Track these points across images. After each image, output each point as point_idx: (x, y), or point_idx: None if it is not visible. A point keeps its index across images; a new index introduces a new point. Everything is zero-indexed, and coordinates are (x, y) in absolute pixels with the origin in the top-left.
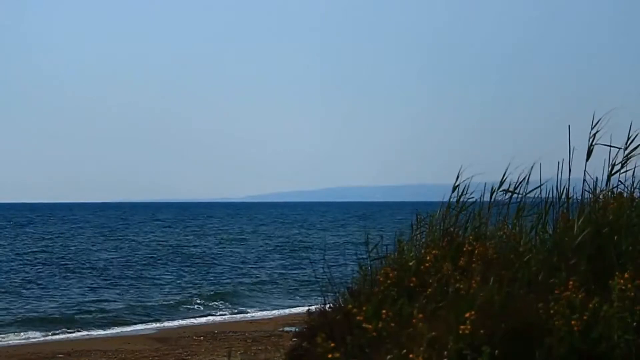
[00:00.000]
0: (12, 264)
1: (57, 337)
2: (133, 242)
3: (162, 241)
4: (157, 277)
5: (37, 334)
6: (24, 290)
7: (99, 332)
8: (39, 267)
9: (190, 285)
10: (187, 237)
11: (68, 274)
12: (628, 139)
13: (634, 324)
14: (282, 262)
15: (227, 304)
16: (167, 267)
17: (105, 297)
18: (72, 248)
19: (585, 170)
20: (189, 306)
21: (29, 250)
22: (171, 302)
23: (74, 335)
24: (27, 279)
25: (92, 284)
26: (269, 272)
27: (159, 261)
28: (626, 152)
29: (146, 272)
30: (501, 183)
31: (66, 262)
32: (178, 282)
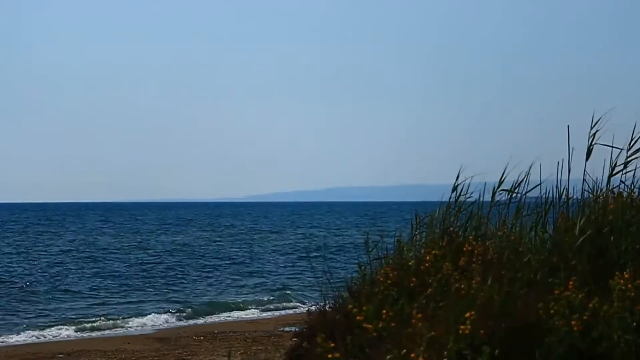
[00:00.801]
0: (27, 263)
1: (57, 337)
2: (148, 242)
3: (176, 240)
4: (169, 275)
5: (39, 333)
6: (37, 291)
7: (99, 332)
8: (58, 267)
9: (200, 284)
10: (200, 238)
11: (77, 274)
12: (631, 139)
13: (634, 324)
14: (287, 262)
15: (231, 305)
16: (179, 267)
17: (110, 297)
18: (88, 248)
19: (585, 170)
20: (193, 305)
21: (49, 250)
22: (177, 304)
23: (74, 335)
24: (43, 279)
25: (97, 285)
26: (274, 271)
27: (169, 260)
28: (629, 152)
29: (158, 271)
30: (500, 183)
31: (78, 261)
32: (188, 281)
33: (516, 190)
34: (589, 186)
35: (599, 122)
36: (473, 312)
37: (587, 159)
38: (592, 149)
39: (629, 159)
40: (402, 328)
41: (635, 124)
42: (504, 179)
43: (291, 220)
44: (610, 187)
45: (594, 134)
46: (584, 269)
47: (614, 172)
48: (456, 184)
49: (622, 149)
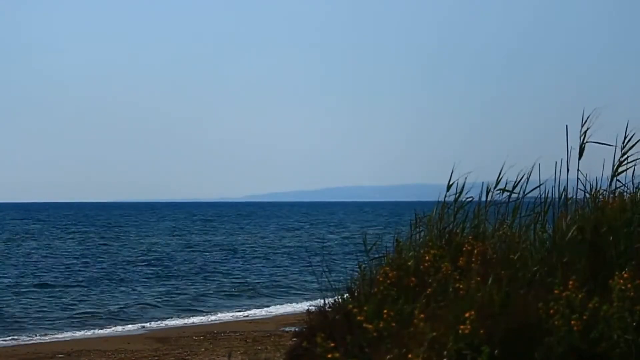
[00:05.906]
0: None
1: (57, 337)
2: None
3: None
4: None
5: (43, 333)
6: (44, 290)
7: (98, 332)
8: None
9: (199, 284)
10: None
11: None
12: (625, 137)
13: (634, 323)
14: (287, 262)
15: (232, 304)
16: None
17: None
18: (94, 248)
19: (578, 170)
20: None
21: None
22: (174, 303)
23: (74, 335)
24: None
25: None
26: (274, 271)
27: (172, 259)
28: (623, 151)
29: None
30: (497, 182)
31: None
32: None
33: (515, 190)
34: (583, 185)
35: (589, 119)
36: (472, 312)
37: (579, 158)
38: (584, 147)
39: (624, 158)
40: (402, 328)
41: (628, 122)
42: (501, 178)
43: (291, 219)
44: (611, 187)
45: (585, 132)
46: (583, 268)
47: (617, 172)
48: (450, 183)
49: (614, 146)
